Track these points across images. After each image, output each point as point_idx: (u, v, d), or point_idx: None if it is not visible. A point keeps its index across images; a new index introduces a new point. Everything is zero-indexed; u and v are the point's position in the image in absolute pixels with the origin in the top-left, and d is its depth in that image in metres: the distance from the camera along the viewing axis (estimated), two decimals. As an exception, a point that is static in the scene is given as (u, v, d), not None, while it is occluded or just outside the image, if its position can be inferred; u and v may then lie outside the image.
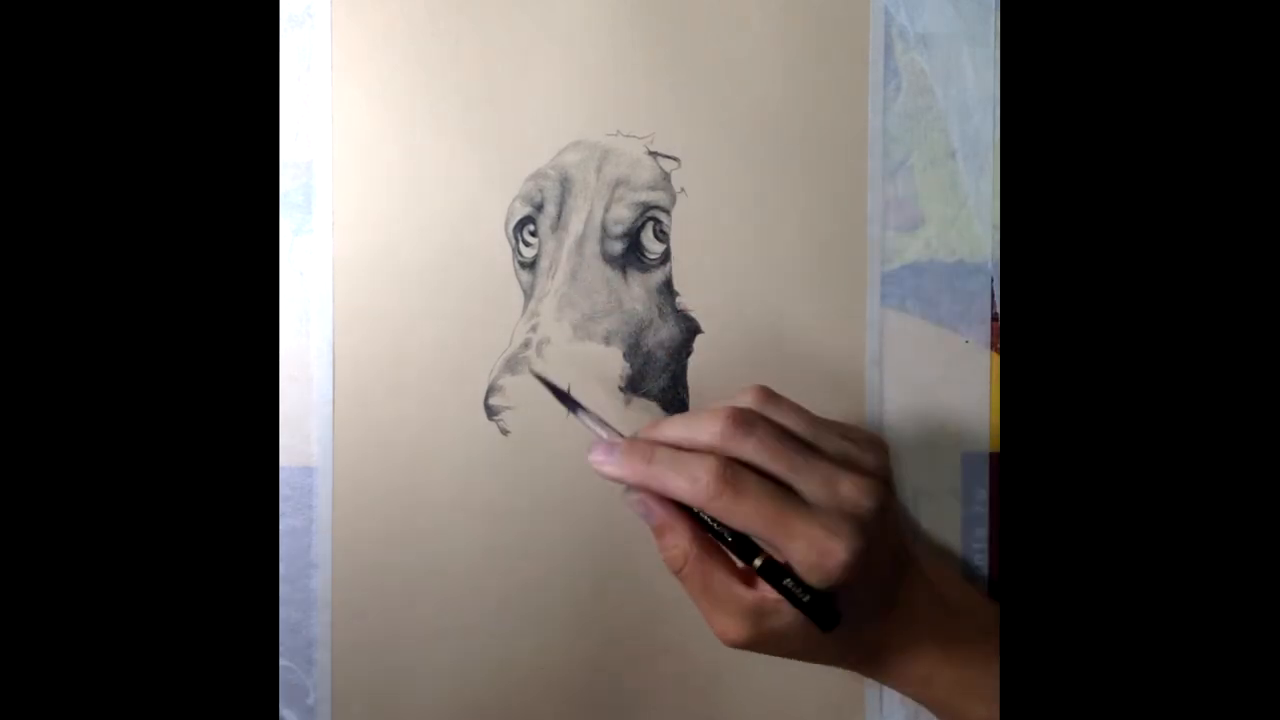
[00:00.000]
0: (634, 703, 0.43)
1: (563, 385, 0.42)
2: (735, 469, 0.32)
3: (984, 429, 0.43)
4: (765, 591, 0.33)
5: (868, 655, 0.37)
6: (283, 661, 0.42)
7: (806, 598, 0.32)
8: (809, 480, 0.32)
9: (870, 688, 0.42)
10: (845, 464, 0.33)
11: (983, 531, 0.43)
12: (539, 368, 0.41)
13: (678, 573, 0.34)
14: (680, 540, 0.34)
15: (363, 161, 0.42)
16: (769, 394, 0.35)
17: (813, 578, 0.32)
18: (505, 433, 0.42)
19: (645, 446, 0.34)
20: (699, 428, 0.33)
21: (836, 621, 0.32)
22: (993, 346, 0.43)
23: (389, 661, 0.42)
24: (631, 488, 0.34)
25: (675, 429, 0.34)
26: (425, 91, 0.42)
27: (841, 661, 0.37)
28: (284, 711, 0.42)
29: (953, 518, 0.43)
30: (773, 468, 0.33)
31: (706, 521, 0.34)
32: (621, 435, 0.36)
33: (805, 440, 0.34)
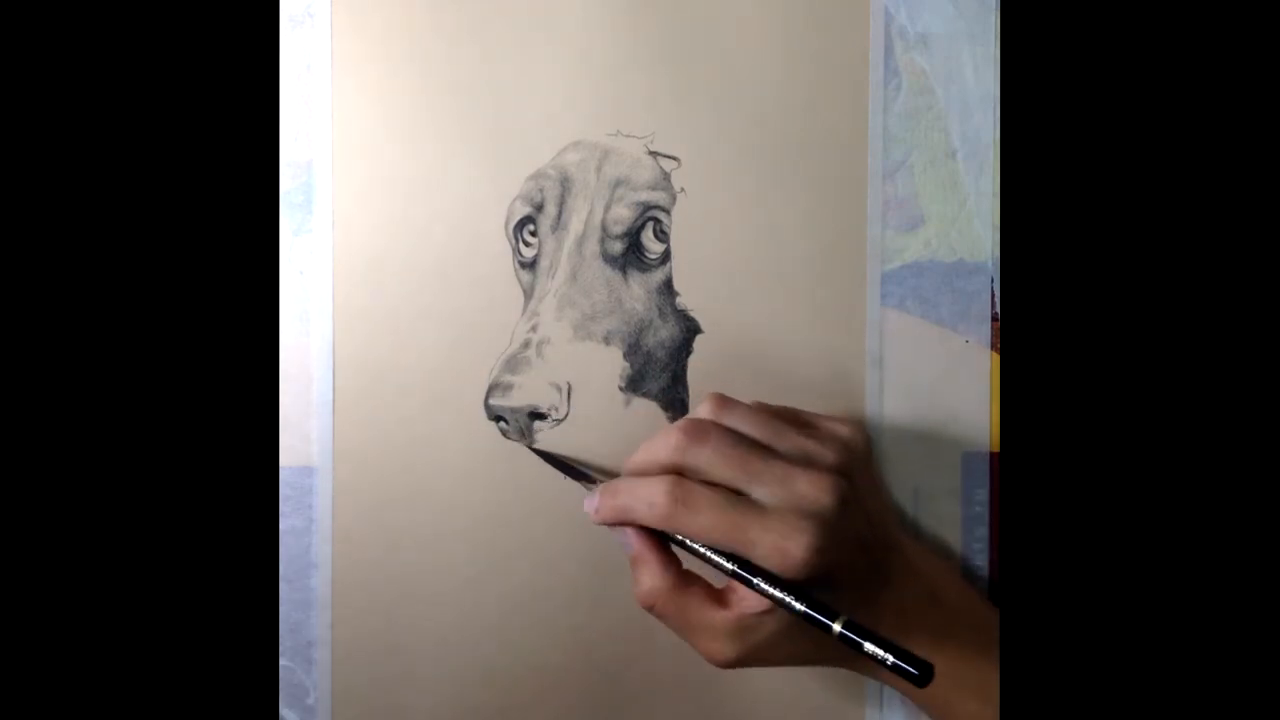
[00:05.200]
0: (633, 703, 0.43)
1: (561, 383, 0.42)
2: (685, 485, 0.33)
3: (984, 429, 0.43)
4: (742, 608, 0.33)
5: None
6: (283, 661, 0.42)
7: (789, 597, 0.32)
8: (764, 483, 0.33)
9: (870, 687, 0.42)
10: (803, 462, 0.34)
11: (983, 531, 0.43)
12: (539, 443, 0.42)
13: (650, 609, 0.35)
14: (648, 577, 0.35)
15: (363, 161, 0.42)
16: (724, 400, 0.36)
17: (783, 575, 0.32)
18: (505, 433, 0.42)
19: (613, 484, 0.35)
20: (658, 447, 0.34)
21: (930, 672, 0.31)
22: (993, 346, 0.43)
23: (389, 661, 0.42)
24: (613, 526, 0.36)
25: (639, 455, 0.35)
26: (425, 91, 0.42)
27: (837, 660, 0.36)
28: (284, 711, 0.42)
29: (953, 518, 0.43)
30: (727, 476, 0.33)
31: (682, 542, 0.34)
32: None
33: (762, 442, 0.34)
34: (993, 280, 0.43)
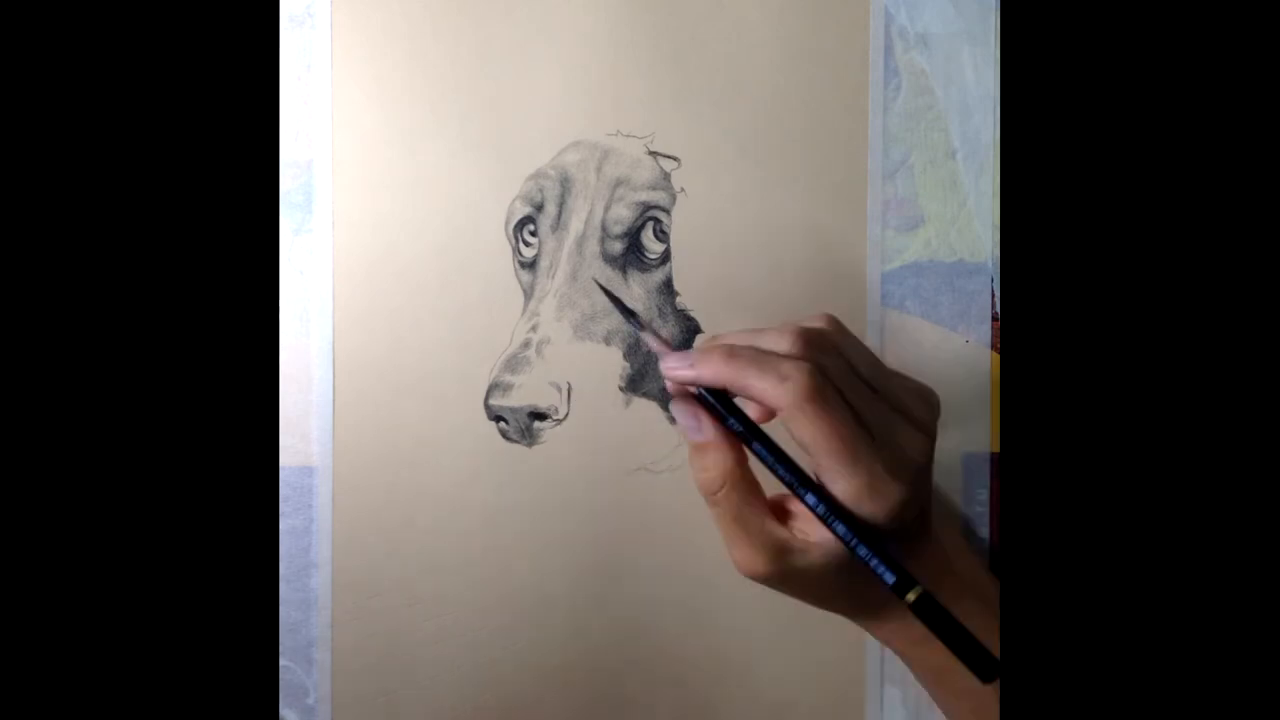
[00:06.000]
0: (633, 703, 0.43)
1: (562, 383, 0.42)
2: (826, 380, 0.30)
3: (984, 429, 0.43)
4: (796, 530, 0.32)
5: (873, 608, 0.35)
6: (283, 661, 0.42)
7: (873, 555, 0.30)
8: (873, 418, 0.31)
9: (870, 689, 0.42)
10: (902, 412, 0.32)
11: (983, 531, 0.43)
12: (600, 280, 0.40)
13: (712, 494, 0.32)
14: (723, 459, 0.32)
15: (363, 161, 0.42)
16: (840, 325, 0.33)
17: (861, 512, 0.31)
18: (505, 433, 0.42)
19: (724, 346, 0.32)
20: (770, 338, 0.32)
21: (997, 668, 0.30)
22: (993, 346, 0.43)
23: (389, 661, 0.42)
24: (680, 399, 0.33)
25: (746, 336, 0.32)
26: (425, 91, 0.42)
27: (847, 610, 0.35)
28: (284, 711, 0.42)
29: (953, 518, 0.43)
30: (847, 394, 0.31)
31: (757, 451, 0.32)
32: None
33: (867, 379, 0.33)
34: (993, 280, 0.43)
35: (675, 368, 0.32)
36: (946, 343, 0.43)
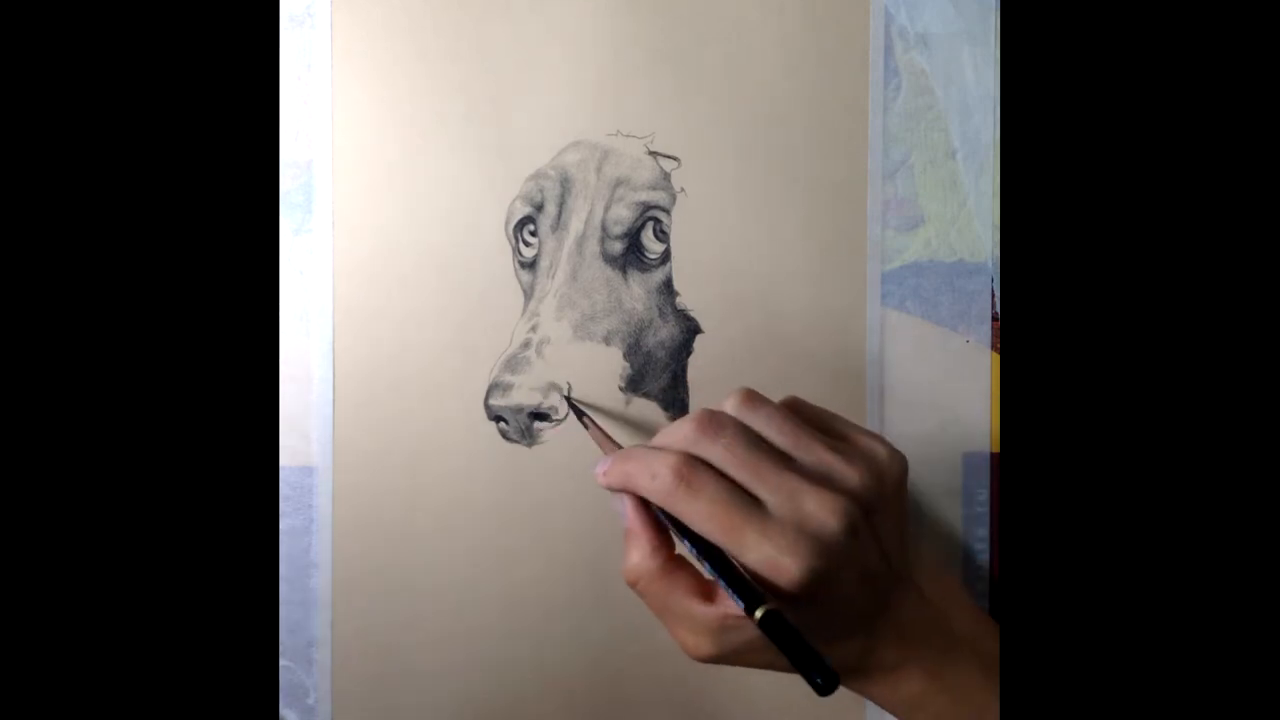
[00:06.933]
0: (634, 702, 0.43)
1: (562, 383, 0.42)
2: (694, 466, 0.31)
3: (984, 429, 0.43)
4: (726, 607, 0.31)
5: (848, 670, 0.34)
6: (283, 661, 0.42)
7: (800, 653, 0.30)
8: (772, 491, 0.31)
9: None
10: (821, 479, 0.32)
11: (983, 531, 0.43)
12: (560, 386, 0.42)
13: (633, 586, 0.33)
14: (637, 553, 0.33)
15: (363, 161, 0.42)
16: (752, 398, 0.34)
17: (770, 587, 0.31)
18: (505, 433, 0.42)
19: (627, 450, 0.34)
20: (674, 431, 0.33)
21: (834, 683, 0.29)
22: (993, 346, 0.43)
23: (389, 661, 0.42)
24: (616, 493, 0.34)
25: (657, 437, 0.34)
26: (425, 91, 0.42)
27: None
28: (284, 711, 0.42)
29: (953, 518, 0.43)
30: (736, 474, 0.31)
31: (683, 529, 0.32)
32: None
33: (782, 450, 0.32)
34: (993, 280, 0.43)
35: (597, 472, 0.34)
36: (946, 343, 0.43)
